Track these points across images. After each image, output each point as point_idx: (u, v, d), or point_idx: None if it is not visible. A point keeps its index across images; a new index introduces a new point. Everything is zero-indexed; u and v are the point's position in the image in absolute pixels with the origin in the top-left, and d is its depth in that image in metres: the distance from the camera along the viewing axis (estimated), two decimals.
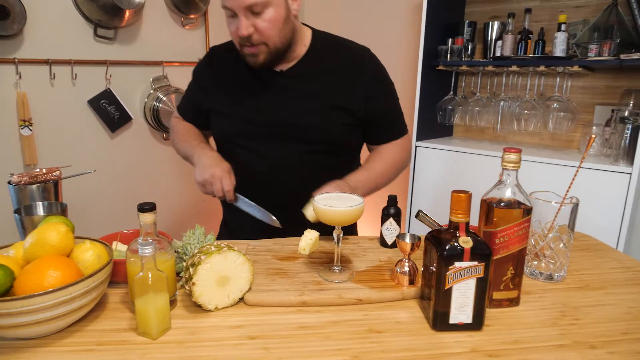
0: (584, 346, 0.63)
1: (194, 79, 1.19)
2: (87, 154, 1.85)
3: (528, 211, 0.72)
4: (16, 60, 1.61)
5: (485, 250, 0.65)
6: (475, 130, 2.14)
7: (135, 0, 1.77)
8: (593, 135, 0.73)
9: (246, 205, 1.03)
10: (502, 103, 1.87)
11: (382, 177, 1.09)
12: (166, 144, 2.10)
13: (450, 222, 0.67)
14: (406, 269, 0.78)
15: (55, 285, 0.59)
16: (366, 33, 2.41)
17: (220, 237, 1.20)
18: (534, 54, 1.74)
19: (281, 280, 0.79)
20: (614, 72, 1.73)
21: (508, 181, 0.73)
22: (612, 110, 1.69)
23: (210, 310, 0.70)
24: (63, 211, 0.88)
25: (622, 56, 1.48)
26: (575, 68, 1.60)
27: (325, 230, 1.01)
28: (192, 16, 2.06)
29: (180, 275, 0.77)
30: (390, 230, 0.94)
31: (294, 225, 1.00)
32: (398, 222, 0.94)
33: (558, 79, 1.78)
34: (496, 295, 0.73)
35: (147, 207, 0.67)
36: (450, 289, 0.65)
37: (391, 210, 0.94)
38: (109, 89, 1.84)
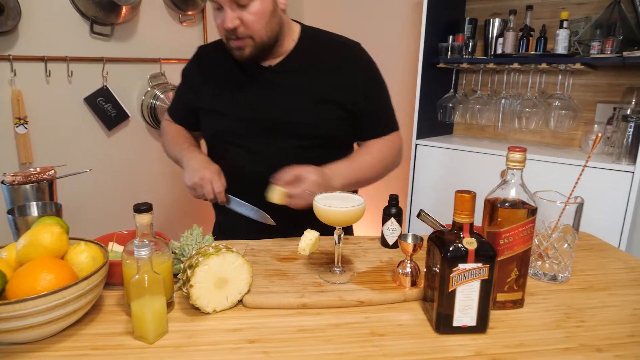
0: (590, 349, 0.61)
1: (182, 80, 1.17)
2: (83, 153, 1.83)
3: (533, 211, 0.70)
4: (11, 57, 1.58)
5: (490, 251, 0.63)
6: (475, 128, 2.12)
7: None
8: (599, 134, 0.72)
9: (238, 205, 1.01)
10: (503, 101, 1.86)
11: (366, 171, 1.04)
12: None
13: (454, 222, 0.66)
14: (408, 270, 0.77)
15: (48, 288, 0.57)
16: (366, 30, 2.39)
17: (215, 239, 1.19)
18: (536, 51, 1.72)
19: (280, 281, 0.77)
20: (616, 70, 1.71)
21: (512, 181, 0.71)
22: (614, 109, 1.68)
23: (208, 313, 0.69)
24: (58, 211, 0.87)
25: (624, 54, 1.47)
26: (578, 66, 1.59)
27: (325, 230, 1.00)
28: (189, 13, 2.03)
29: (178, 276, 0.75)
30: (392, 230, 0.92)
31: (289, 223, 0.99)
32: (399, 222, 0.93)
33: (560, 77, 1.77)
34: (500, 297, 0.72)
35: (143, 208, 0.65)
36: (454, 291, 0.63)
37: (392, 210, 0.92)
38: (105, 86, 1.82)
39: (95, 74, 1.80)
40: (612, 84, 1.73)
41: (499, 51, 1.81)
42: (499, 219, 0.70)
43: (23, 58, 1.62)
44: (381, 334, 0.64)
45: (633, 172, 1.42)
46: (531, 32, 1.74)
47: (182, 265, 0.72)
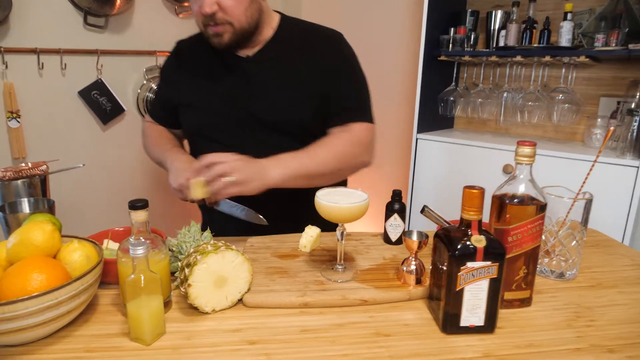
0: (601, 350, 0.60)
1: (161, 78, 1.14)
2: (77, 147, 1.79)
3: (542, 207, 0.68)
4: (2, 49, 1.54)
5: (499, 249, 0.61)
6: (477, 122, 2.10)
7: None
8: (611, 128, 0.70)
9: (228, 206, 0.95)
10: (505, 94, 1.83)
11: (318, 165, 0.93)
12: None
13: (462, 219, 0.63)
14: (413, 267, 0.75)
15: (40, 289, 0.55)
16: (367, 23, 2.35)
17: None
18: (539, 44, 1.70)
19: (281, 280, 0.75)
20: (620, 63, 1.69)
21: (521, 176, 0.69)
22: (618, 102, 1.66)
23: (207, 313, 0.66)
24: (50, 208, 0.84)
25: (630, 46, 1.44)
26: (582, 58, 1.56)
27: (326, 226, 0.97)
28: (186, 4, 1.99)
29: (175, 275, 0.73)
30: (395, 226, 0.90)
31: (283, 222, 0.96)
32: (403, 218, 0.91)
33: (564, 70, 1.74)
34: (507, 295, 0.70)
35: (138, 205, 0.62)
36: (461, 290, 0.61)
37: (396, 206, 0.90)
38: (100, 79, 1.78)
39: (89, 66, 1.76)
40: (616, 77, 1.71)
41: (501, 44, 1.78)
42: (508, 216, 0.68)
43: (15, 50, 1.58)
44: (386, 334, 0.62)
45: (638, 167, 1.40)
46: (534, 24, 1.71)
47: (179, 263, 0.70)
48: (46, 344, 0.58)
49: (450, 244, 0.62)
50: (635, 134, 1.43)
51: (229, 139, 1.01)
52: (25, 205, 0.84)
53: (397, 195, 0.91)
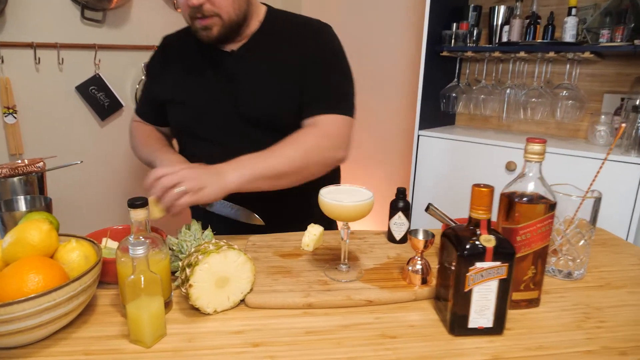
0: (613, 352, 0.58)
1: (147, 75, 1.11)
2: (75, 144, 1.77)
3: (552, 206, 0.66)
4: None
5: (509, 249, 0.60)
6: (478, 119, 2.08)
7: None
8: (623, 125, 0.68)
9: (222, 207, 0.92)
10: (508, 91, 1.81)
11: (283, 164, 0.87)
12: None
13: (470, 218, 0.62)
14: (418, 267, 0.73)
15: (37, 290, 0.53)
16: (368, 18, 2.32)
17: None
18: (543, 39, 1.67)
19: (284, 279, 0.74)
20: (624, 59, 1.67)
21: (530, 174, 0.67)
22: (622, 99, 1.64)
23: (208, 314, 0.65)
24: (47, 206, 0.82)
25: (636, 42, 1.42)
26: (587, 54, 1.54)
27: (329, 225, 0.96)
28: None
29: (176, 274, 0.71)
30: (399, 224, 0.89)
31: (281, 221, 0.95)
32: (407, 216, 0.89)
33: (568, 66, 1.72)
34: (515, 296, 0.68)
35: (138, 203, 0.60)
36: (470, 291, 0.60)
37: (400, 204, 0.89)
38: (98, 74, 1.75)
39: (87, 61, 1.74)
40: (620, 74, 1.69)
41: (505, 39, 1.76)
42: (517, 214, 0.66)
43: (11, 44, 1.55)
44: (392, 336, 0.61)
45: None
46: (538, 20, 1.69)
47: (180, 263, 0.68)
48: (43, 347, 0.57)
49: (459, 243, 0.60)
50: (639, 131, 1.41)
51: (216, 137, 0.99)
52: (22, 203, 0.82)
53: (401, 193, 0.89)
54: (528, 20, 1.71)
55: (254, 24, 0.99)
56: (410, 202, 1.96)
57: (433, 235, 0.73)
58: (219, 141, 0.99)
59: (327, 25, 1.02)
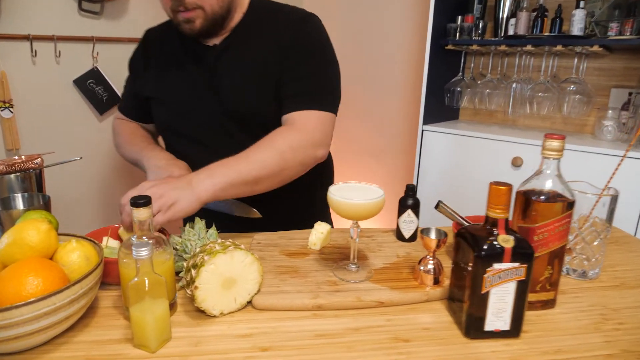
0: (634, 356, 0.56)
1: (130, 71, 1.07)
2: (73, 139, 1.73)
3: (570, 205, 0.64)
4: None
5: (527, 249, 0.57)
6: (483, 113, 2.05)
7: None
8: None
9: (217, 202, 0.89)
10: (514, 85, 1.78)
11: (258, 169, 0.82)
12: None
13: (487, 217, 0.59)
14: (430, 267, 0.71)
15: (36, 294, 0.51)
16: (371, 11, 2.28)
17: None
18: (551, 32, 1.64)
19: (292, 280, 0.71)
20: (632, 53, 1.64)
21: (548, 171, 0.65)
22: (630, 93, 1.62)
23: (214, 316, 0.63)
24: (46, 204, 0.79)
25: None
26: (595, 48, 1.51)
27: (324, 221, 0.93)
28: None
29: (180, 275, 0.69)
30: (409, 222, 0.86)
31: (281, 216, 0.92)
32: (417, 214, 0.87)
33: (576, 60, 1.69)
34: (531, 297, 0.66)
35: (141, 202, 0.58)
36: (487, 293, 0.57)
37: (409, 201, 0.86)
38: (96, 67, 1.71)
39: (84, 54, 1.70)
40: (628, 68, 1.66)
41: (511, 32, 1.73)
42: (533, 213, 0.64)
43: (6, 37, 1.51)
44: (406, 340, 0.59)
45: None
46: (545, 13, 1.66)
47: (185, 263, 0.66)
48: (44, 352, 0.54)
49: (476, 243, 0.58)
50: None
51: (201, 135, 0.96)
52: (19, 201, 0.79)
53: (410, 190, 0.87)
54: (535, 13, 1.67)
55: (237, 16, 0.94)
56: None
57: (446, 235, 0.70)
58: (204, 139, 0.96)
59: (311, 15, 0.96)
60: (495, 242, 0.57)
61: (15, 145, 1.56)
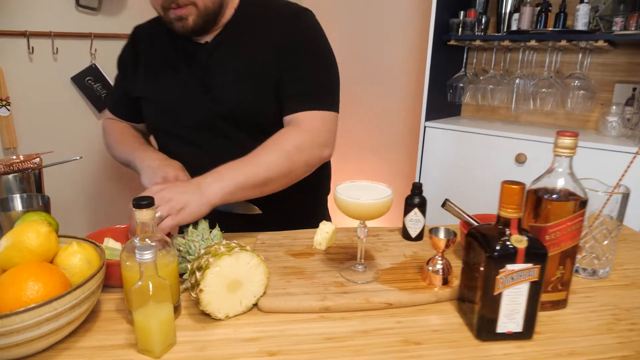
0: None
1: (119, 69, 1.04)
2: (72, 137, 1.71)
3: (583, 204, 0.63)
4: None
5: (541, 249, 0.56)
6: (485, 109, 2.04)
7: None
8: None
9: None
10: (517, 81, 1.76)
11: (265, 171, 0.81)
12: None
13: (499, 217, 0.58)
14: (439, 267, 0.69)
15: (36, 299, 0.49)
16: (373, 6, 2.26)
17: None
18: (554, 27, 1.62)
19: (298, 281, 0.70)
20: (636, 48, 1.63)
21: (560, 169, 0.63)
22: (634, 89, 1.60)
23: (220, 319, 0.61)
24: (45, 205, 0.77)
25: None
26: (600, 43, 1.50)
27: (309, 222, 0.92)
28: None
29: (184, 277, 0.67)
30: (415, 221, 0.85)
31: (265, 215, 0.91)
32: (423, 212, 0.85)
33: (580, 55, 1.67)
34: (542, 297, 0.65)
35: (144, 203, 0.56)
36: (499, 294, 0.56)
37: (416, 200, 0.85)
38: (94, 64, 1.69)
39: (82, 51, 1.67)
40: (632, 63, 1.65)
41: (514, 27, 1.71)
42: (545, 212, 0.62)
43: (3, 33, 1.49)
44: (416, 342, 0.58)
45: None
46: (549, 8, 1.64)
47: (188, 265, 0.65)
48: (45, 358, 0.53)
49: (488, 244, 0.56)
50: None
51: (195, 136, 0.93)
52: (18, 202, 0.78)
53: (417, 189, 0.85)
54: (539, 8, 1.65)
55: (229, 12, 0.92)
56: None
57: (455, 234, 0.69)
58: (198, 140, 0.94)
59: (305, 10, 0.94)
60: (508, 243, 0.56)
61: (12, 143, 1.54)
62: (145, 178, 0.85)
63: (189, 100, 0.92)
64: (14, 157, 0.82)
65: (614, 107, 1.61)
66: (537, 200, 0.64)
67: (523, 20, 1.68)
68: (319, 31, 0.94)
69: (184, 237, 0.72)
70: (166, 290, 0.54)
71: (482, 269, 0.57)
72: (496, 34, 1.77)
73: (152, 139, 1.08)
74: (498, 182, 0.56)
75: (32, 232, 0.55)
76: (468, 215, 0.83)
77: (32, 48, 1.55)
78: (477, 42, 1.79)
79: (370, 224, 0.84)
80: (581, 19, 1.55)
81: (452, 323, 0.62)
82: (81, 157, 1.11)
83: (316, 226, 0.84)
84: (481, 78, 1.88)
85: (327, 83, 0.93)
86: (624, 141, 1.48)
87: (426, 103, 1.81)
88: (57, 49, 1.61)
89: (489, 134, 1.67)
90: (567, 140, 0.62)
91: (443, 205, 0.84)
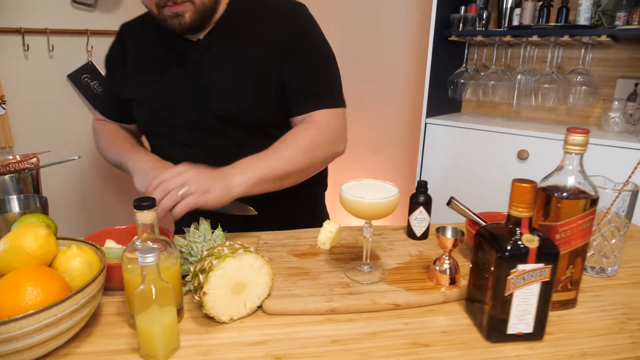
0: None
1: (107, 69, 1.02)
2: (69, 136, 1.69)
3: (593, 202, 0.62)
4: None
5: (552, 249, 0.55)
6: (486, 105, 2.02)
7: None
8: None
9: None
10: (519, 76, 1.75)
11: (284, 164, 0.83)
12: None
13: (509, 216, 0.57)
14: (446, 266, 0.68)
15: (35, 305, 0.47)
16: (374, 1, 2.24)
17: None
18: (557, 22, 1.61)
19: (303, 282, 0.69)
20: (639, 43, 1.61)
21: (570, 167, 0.62)
22: (636, 84, 1.59)
23: (224, 322, 0.60)
24: (43, 206, 0.76)
25: None
26: (603, 38, 1.48)
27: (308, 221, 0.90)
28: None
29: (187, 279, 0.66)
30: (420, 220, 0.84)
31: (262, 215, 0.88)
32: (429, 211, 0.84)
33: (583, 51, 1.66)
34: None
35: (145, 204, 0.55)
36: (510, 295, 0.55)
37: (421, 198, 0.84)
38: (90, 62, 1.66)
39: (78, 48, 1.65)
40: (634, 58, 1.64)
41: (515, 22, 1.70)
42: (555, 211, 0.61)
43: None
44: (425, 344, 0.56)
45: None
46: (551, 2, 1.62)
47: (191, 267, 0.63)
48: None
49: (498, 244, 0.55)
50: None
51: (189, 138, 0.91)
52: (15, 204, 0.76)
53: (422, 187, 0.84)
54: (540, 3, 1.64)
55: (221, 8, 0.90)
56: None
57: (462, 234, 0.68)
58: (192, 141, 0.92)
59: (300, 5, 0.93)
60: (519, 242, 0.54)
61: (8, 142, 1.52)
62: (138, 181, 0.84)
63: (182, 100, 0.90)
64: (10, 157, 0.80)
65: (616, 102, 1.60)
66: (547, 198, 0.62)
67: (524, 15, 1.66)
68: (316, 28, 0.93)
69: (185, 238, 0.71)
70: (169, 293, 0.52)
71: (492, 269, 0.55)
72: (497, 29, 1.75)
73: (144, 139, 1.05)
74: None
75: (30, 235, 0.54)
76: (474, 214, 0.82)
77: (28, 45, 1.53)
78: (478, 38, 1.77)
79: (374, 222, 0.83)
80: (583, 13, 1.54)
81: (460, 324, 0.61)
82: (79, 157, 1.09)
83: (316, 223, 0.83)
84: (482, 74, 1.87)
85: (332, 80, 0.94)
86: (626, 137, 1.47)
87: (427, 99, 1.80)
88: (52, 46, 1.58)
89: (490, 130, 1.66)
90: (578, 138, 0.60)
91: (448, 203, 0.83)
